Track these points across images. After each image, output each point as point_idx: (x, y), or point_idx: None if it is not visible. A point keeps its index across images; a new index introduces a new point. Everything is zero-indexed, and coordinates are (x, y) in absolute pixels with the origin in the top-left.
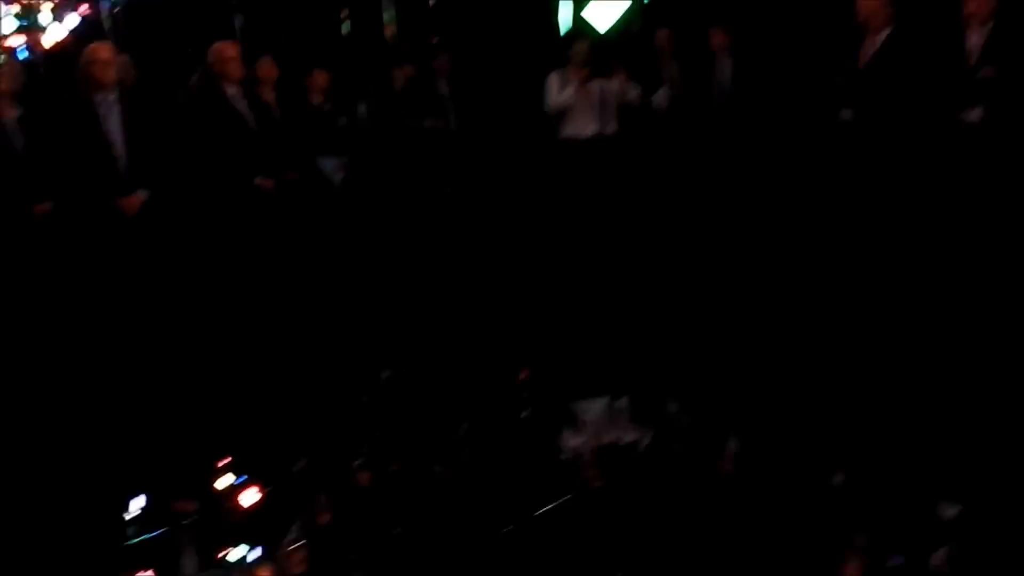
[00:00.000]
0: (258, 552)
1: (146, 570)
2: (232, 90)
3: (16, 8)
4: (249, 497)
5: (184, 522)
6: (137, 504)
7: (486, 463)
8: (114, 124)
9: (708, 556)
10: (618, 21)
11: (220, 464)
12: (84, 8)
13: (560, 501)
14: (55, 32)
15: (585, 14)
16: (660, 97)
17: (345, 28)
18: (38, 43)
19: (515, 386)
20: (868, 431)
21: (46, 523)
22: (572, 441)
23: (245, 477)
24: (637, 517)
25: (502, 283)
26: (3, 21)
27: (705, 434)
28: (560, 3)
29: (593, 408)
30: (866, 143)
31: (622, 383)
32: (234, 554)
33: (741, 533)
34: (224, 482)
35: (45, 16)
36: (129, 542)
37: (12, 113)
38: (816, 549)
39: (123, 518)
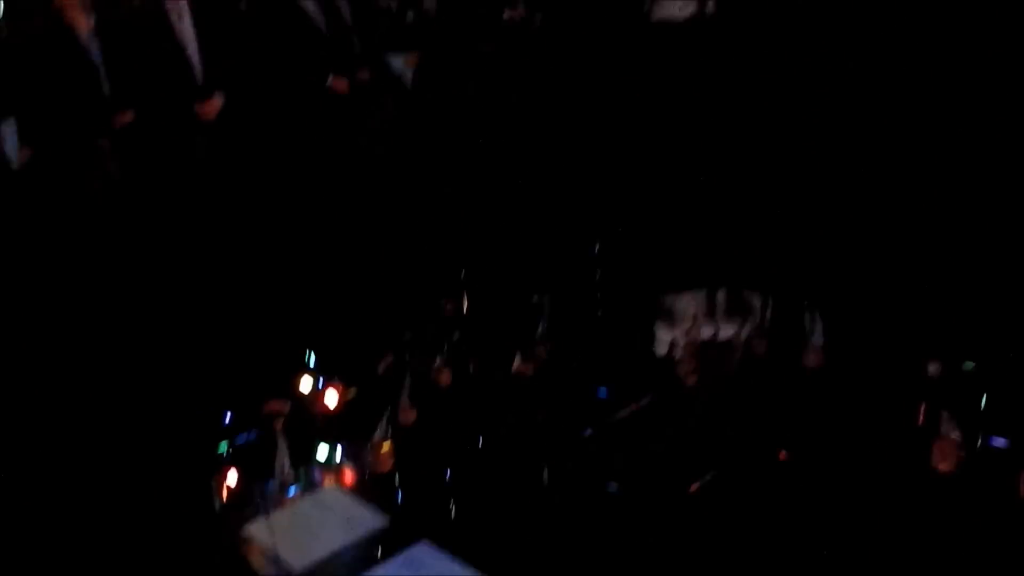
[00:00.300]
0: (343, 451)
1: (236, 471)
2: None
3: None
4: (333, 398)
5: (275, 423)
6: (228, 409)
7: (570, 360)
8: (187, 29)
9: (798, 448)
10: None
11: (305, 367)
12: None
13: (641, 405)
14: None
15: None
16: None
17: None
18: None
19: (602, 280)
20: (960, 319)
21: (141, 429)
22: (666, 334)
23: (329, 378)
24: (727, 416)
25: (590, 176)
26: None
27: (792, 327)
28: None
29: (689, 301)
30: None
31: (719, 276)
32: (321, 453)
33: (829, 426)
34: (308, 384)
35: None
36: (221, 446)
37: (86, 23)
38: (904, 441)
39: (214, 423)
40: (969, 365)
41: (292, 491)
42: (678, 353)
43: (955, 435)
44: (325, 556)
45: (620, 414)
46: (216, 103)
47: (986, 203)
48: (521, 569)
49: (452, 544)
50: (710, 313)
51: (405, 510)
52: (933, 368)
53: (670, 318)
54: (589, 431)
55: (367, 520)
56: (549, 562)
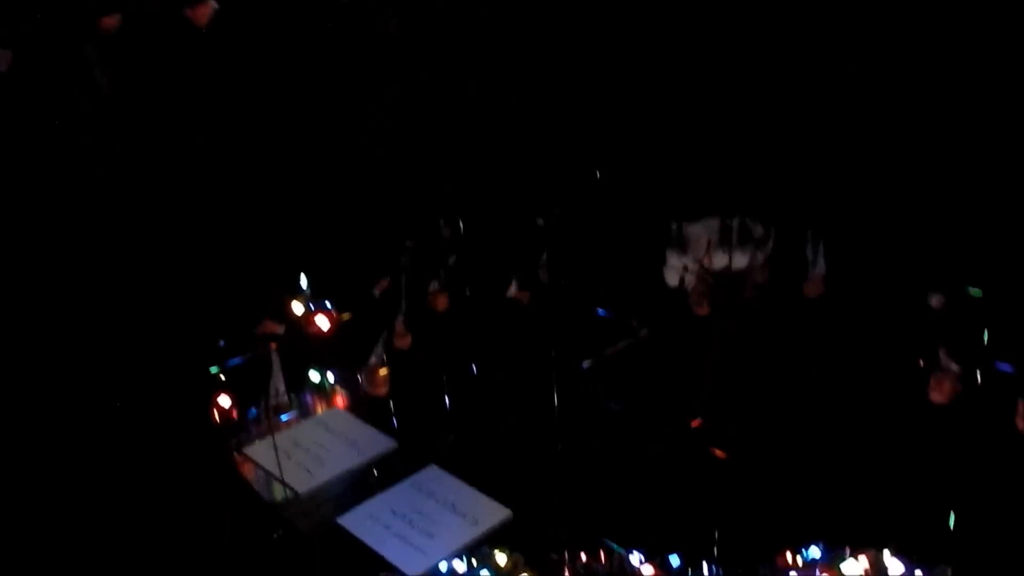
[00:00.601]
0: (336, 375)
1: (230, 394)
2: None
3: None
4: (326, 321)
5: (270, 346)
6: (222, 332)
7: (570, 287)
8: None
9: (797, 375)
10: None
11: (299, 290)
12: None
13: (632, 340)
14: None
15: None
16: None
17: None
18: None
19: (607, 204)
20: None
21: (136, 348)
22: (676, 260)
23: (323, 302)
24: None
25: (596, 97)
26: None
27: (795, 256)
28: None
29: (702, 229)
30: None
31: (727, 205)
32: (314, 375)
33: (830, 353)
34: (301, 308)
35: None
36: (215, 368)
37: None
38: (903, 371)
39: (209, 346)
40: (975, 292)
41: (290, 414)
42: (690, 283)
43: (953, 368)
44: (330, 479)
45: (611, 349)
46: (208, 7)
47: (992, 131)
48: (526, 491)
49: (455, 466)
50: (723, 242)
51: (406, 433)
52: (936, 300)
53: (682, 246)
54: (587, 363)
55: (373, 443)
56: (553, 485)
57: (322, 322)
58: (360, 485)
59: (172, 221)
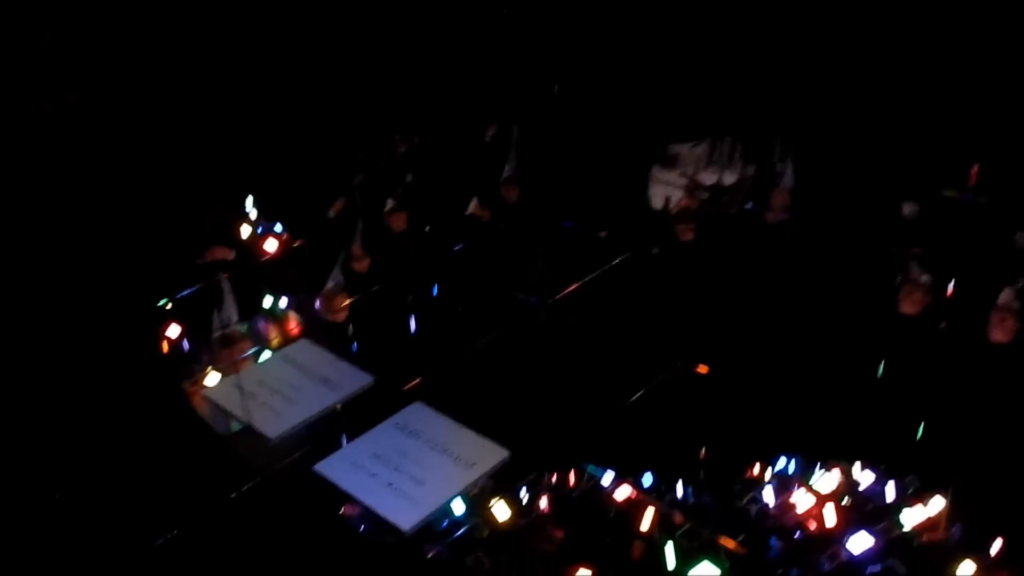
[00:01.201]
0: (288, 300)
1: (180, 324)
2: None
3: None
4: (274, 244)
5: (220, 274)
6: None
7: (539, 204)
8: None
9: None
10: None
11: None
12: None
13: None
14: None
15: None
16: None
17: None
18: None
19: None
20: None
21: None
22: (662, 175)
23: (275, 224)
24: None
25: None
26: None
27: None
28: None
29: (689, 147)
30: None
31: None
32: (267, 301)
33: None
34: (249, 230)
35: None
36: (164, 301)
37: None
38: (872, 281)
39: (157, 279)
40: (951, 192)
41: (255, 349)
42: (676, 202)
43: (924, 279)
44: (302, 421)
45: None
46: None
47: (965, 36)
48: (507, 423)
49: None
50: (712, 159)
51: (382, 367)
52: (908, 209)
53: (669, 164)
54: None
55: (347, 378)
56: (531, 416)
57: (271, 245)
58: (337, 427)
59: (107, 143)
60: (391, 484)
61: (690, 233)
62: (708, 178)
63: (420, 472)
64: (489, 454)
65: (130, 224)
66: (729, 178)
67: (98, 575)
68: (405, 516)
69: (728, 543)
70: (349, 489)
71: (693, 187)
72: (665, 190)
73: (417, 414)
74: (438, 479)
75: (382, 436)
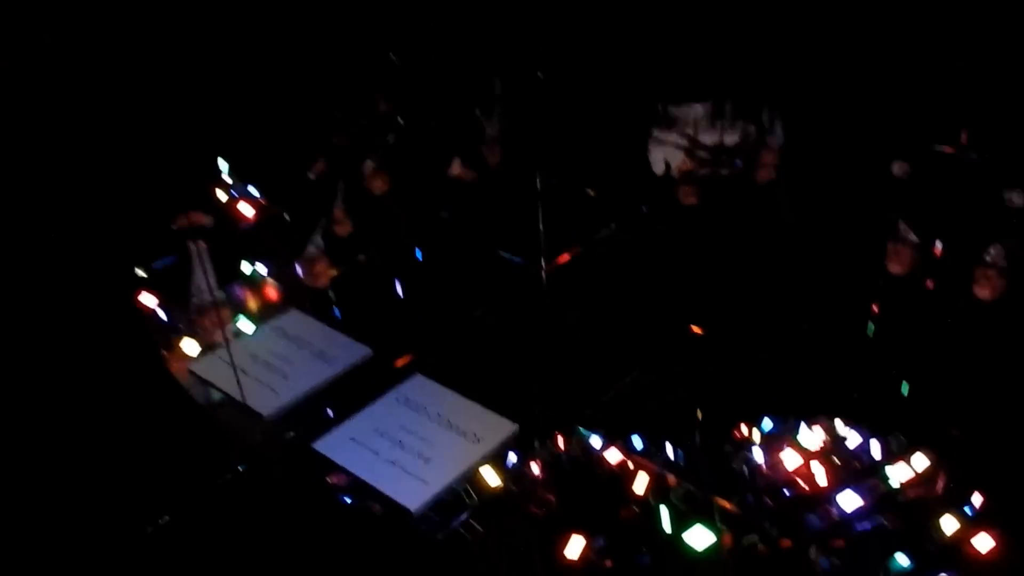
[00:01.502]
0: (270, 267)
1: (156, 293)
2: None
3: None
4: (250, 209)
5: (196, 241)
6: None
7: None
8: None
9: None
10: None
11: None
12: None
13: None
14: None
15: None
16: None
17: None
18: None
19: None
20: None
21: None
22: (661, 135)
23: (245, 188)
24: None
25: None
26: None
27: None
28: None
29: (690, 108)
30: None
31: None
32: (245, 267)
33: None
34: (225, 194)
35: None
36: (141, 269)
37: None
38: (862, 239)
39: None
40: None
41: (246, 323)
42: (678, 164)
43: (912, 238)
44: (299, 397)
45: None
46: None
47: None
48: (508, 395)
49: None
50: (712, 121)
51: (379, 337)
52: (898, 168)
53: (669, 124)
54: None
55: (344, 351)
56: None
57: (246, 209)
58: (335, 403)
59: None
60: (395, 462)
61: (693, 197)
62: (709, 138)
63: (425, 448)
64: (497, 428)
65: (101, 190)
66: (730, 138)
67: (89, 565)
68: (412, 496)
69: (724, 504)
70: (351, 468)
71: (694, 148)
72: (664, 151)
73: (419, 387)
74: (445, 456)
75: (383, 411)
